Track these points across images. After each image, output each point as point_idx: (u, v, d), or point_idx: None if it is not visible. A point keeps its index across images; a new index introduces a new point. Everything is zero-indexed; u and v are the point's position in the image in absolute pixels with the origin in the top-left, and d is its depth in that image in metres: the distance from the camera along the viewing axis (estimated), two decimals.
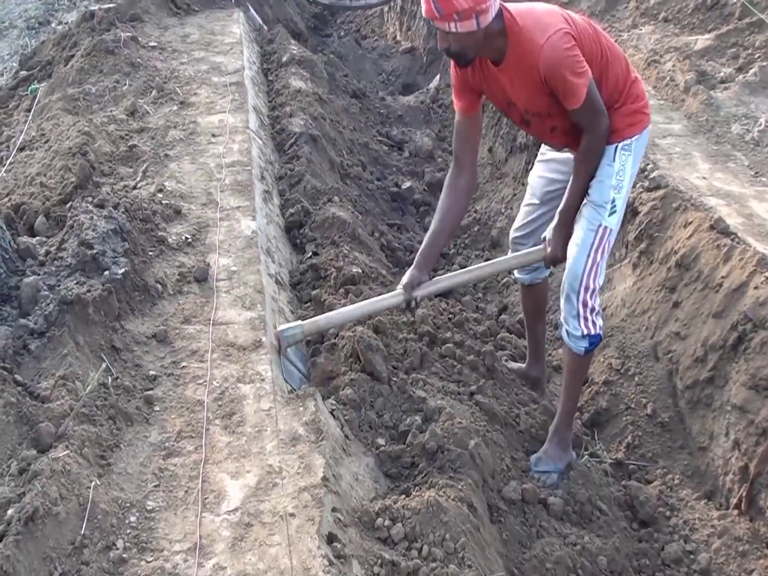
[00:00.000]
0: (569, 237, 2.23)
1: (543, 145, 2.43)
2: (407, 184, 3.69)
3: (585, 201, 2.24)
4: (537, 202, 2.40)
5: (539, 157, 2.46)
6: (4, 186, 3.05)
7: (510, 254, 2.43)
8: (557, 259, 2.25)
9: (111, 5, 5.08)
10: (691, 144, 3.40)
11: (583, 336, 2.19)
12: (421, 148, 4.04)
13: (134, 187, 2.92)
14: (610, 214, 2.18)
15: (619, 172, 2.17)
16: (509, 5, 2.07)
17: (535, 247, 2.35)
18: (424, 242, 2.22)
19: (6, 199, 2.88)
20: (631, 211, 2.86)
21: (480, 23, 1.94)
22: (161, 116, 3.62)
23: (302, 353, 2.24)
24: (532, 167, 2.53)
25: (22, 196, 2.89)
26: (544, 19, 2.05)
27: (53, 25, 6.21)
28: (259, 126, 3.59)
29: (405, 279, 2.17)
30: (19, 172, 3.21)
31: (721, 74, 4.01)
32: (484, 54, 2.07)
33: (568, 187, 2.21)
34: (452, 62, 2.18)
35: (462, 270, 2.47)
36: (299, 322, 2.19)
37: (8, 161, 3.33)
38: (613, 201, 2.17)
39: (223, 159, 3.10)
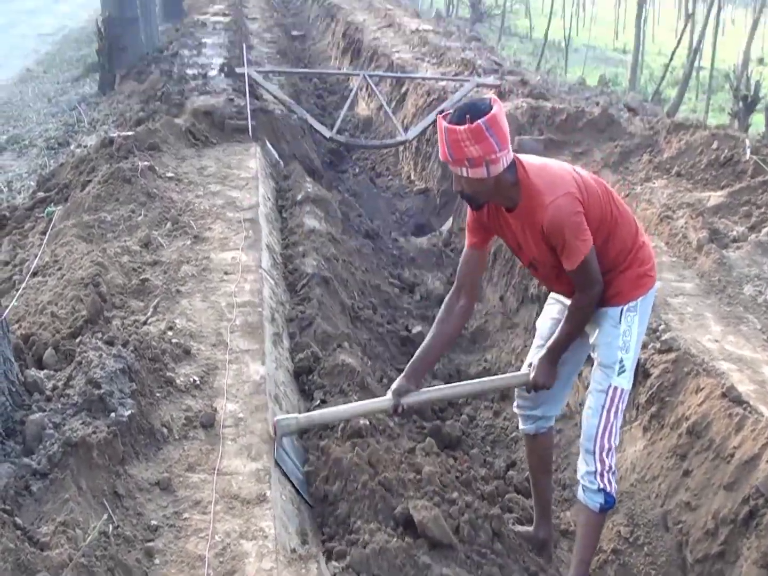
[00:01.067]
0: (554, 370, 2.47)
1: (551, 294, 2.70)
2: (417, 328, 3.97)
3: (595, 364, 2.48)
4: (542, 343, 2.60)
5: (547, 302, 2.72)
6: (16, 312, 3.30)
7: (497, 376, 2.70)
8: (538, 385, 2.49)
9: (130, 133, 5.63)
10: (703, 304, 3.67)
11: (599, 490, 2.35)
12: (432, 291, 4.36)
13: (145, 323, 3.17)
14: (620, 374, 2.39)
15: (626, 332, 2.39)
16: (524, 158, 2.35)
17: (520, 372, 2.63)
18: (416, 354, 2.50)
19: (17, 326, 3.12)
20: (643, 373, 3.09)
21: (490, 172, 2.20)
22: (175, 250, 3.95)
23: (296, 447, 2.53)
24: None
25: (33, 324, 3.14)
26: (555, 179, 2.30)
27: (72, 147, 6.84)
28: (271, 265, 3.92)
29: (394, 386, 2.45)
30: (30, 298, 3.48)
31: (734, 233, 4.37)
32: (496, 200, 2.33)
33: (559, 326, 2.47)
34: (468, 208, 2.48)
35: (450, 385, 2.81)
36: (295, 414, 2.52)
37: (21, 286, 3.62)
38: (621, 361, 2.39)
39: (235, 298, 3.37)
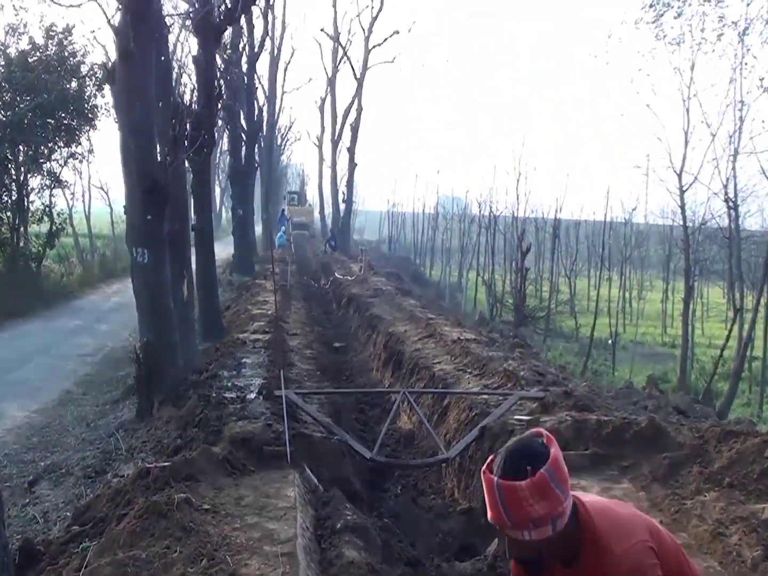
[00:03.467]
0: None
1: None
2: None
3: None
4: None
5: None
6: None
7: None
8: None
9: (166, 463, 6.38)
10: None
11: None
12: None
13: None
14: None
15: None
16: (583, 497, 2.24)
17: None
18: None
19: None
20: None
21: (556, 527, 2.05)
22: None
23: None
24: None
25: None
26: (624, 524, 2.16)
27: (109, 476, 7.68)
28: None
29: None
30: None
31: None
32: (556, 556, 2.17)
33: None
34: (512, 562, 2.36)
35: None
36: None
37: None
38: None
39: None
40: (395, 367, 12.47)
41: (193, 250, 14.31)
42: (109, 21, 9.74)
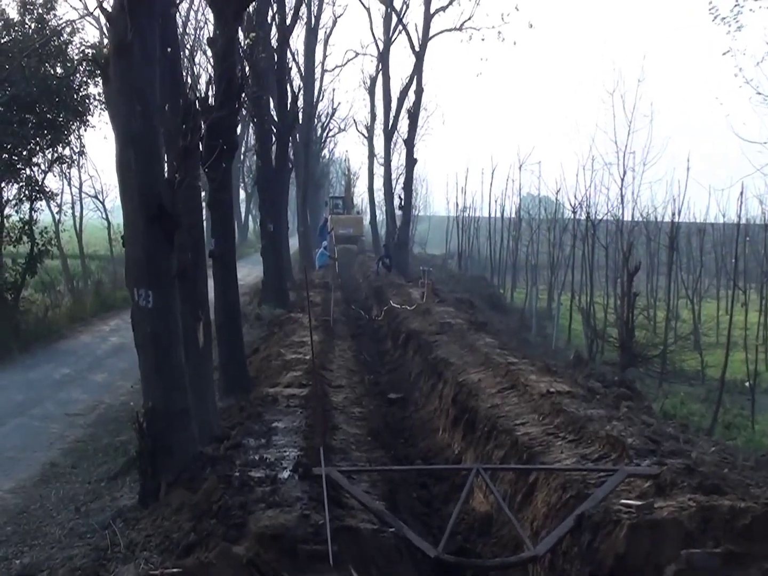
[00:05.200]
0: None
1: None
2: None
3: None
4: None
5: None
6: None
7: None
8: None
9: (176, 570, 6.44)
10: None
11: None
12: None
13: None
14: None
15: None
16: None
17: None
18: None
19: None
20: None
21: None
22: None
23: None
24: None
25: None
26: None
27: None
28: None
29: None
30: None
31: None
32: None
33: None
34: None
35: None
36: None
37: None
38: None
39: None
40: (467, 429, 12.40)
41: (210, 278, 14.47)
42: (100, 3, 9.89)
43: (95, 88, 23.45)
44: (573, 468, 8.61)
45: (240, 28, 19.41)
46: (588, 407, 11.30)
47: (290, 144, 36.22)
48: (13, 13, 21.94)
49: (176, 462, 9.47)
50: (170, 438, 9.55)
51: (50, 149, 23.73)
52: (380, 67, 49.75)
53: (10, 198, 23.06)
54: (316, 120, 57.37)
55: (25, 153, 22.71)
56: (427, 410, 15.22)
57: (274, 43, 30.60)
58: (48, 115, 22.56)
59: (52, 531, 10.07)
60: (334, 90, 61.42)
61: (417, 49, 41.91)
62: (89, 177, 38.22)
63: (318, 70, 54.40)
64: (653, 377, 22.79)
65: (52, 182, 30.10)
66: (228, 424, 12.00)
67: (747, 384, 21.66)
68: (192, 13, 34.71)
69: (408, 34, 42.64)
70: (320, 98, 56.68)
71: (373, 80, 55.64)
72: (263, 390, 13.77)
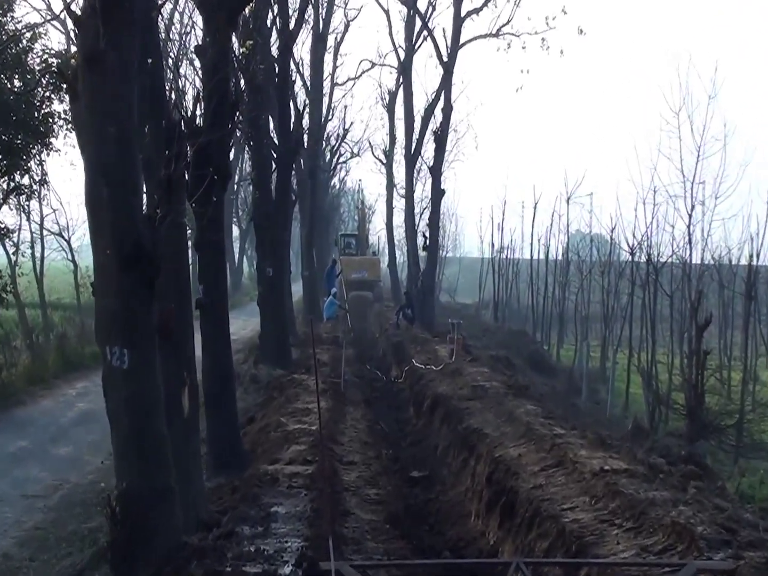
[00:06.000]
0: None
1: None
2: None
3: None
4: None
5: None
6: None
7: None
8: None
9: None
10: None
11: None
12: None
13: None
14: None
15: None
16: None
17: None
18: None
19: None
20: None
21: None
22: None
23: None
24: None
25: None
26: None
27: None
28: None
29: None
30: None
31: None
32: None
33: None
34: None
35: None
36: None
37: None
38: None
39: None
40: (505, 514, 12.35)
41: (197, 332, 14.50)
42: (68, 5, 9.92)
43: (60, 105, 23.31)
44: (632, 563, 8.58)
45: (234, 34, 19.59)
46: (650, 489, 11.26)
47: (293, 172, 36.43)
48: None
49: (156, 554, 9.40)
50: (149, 525, 9.44)
51: (5, 177, 23.55)
52: (401, 80, 50.16)
53: None
54: (324, 143, 57.81)
55: None
56: (456, 491, 15.17)
57: (274, 51, 30.59)
58: (3, 137, 22.51)
59: None
60: (346, 107, 61.01)
61: (445, 58, 41.65)
62: (52, 211, 37.04)
63: (327, 84, 54.81)
64: (727, 451, 22.59)
65: (7, 217, 29.40)
66: (218, 508, 12.00)
67: None
68: (177, 15, 34.53)
69: (434, 41, 42.33)
70: (329, 117, 57.12)
71: (393, 96, 56.07)
72: (260, 467, 13.79)
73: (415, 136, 46.55)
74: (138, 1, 10.10)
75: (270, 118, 31.16)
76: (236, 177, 59.83)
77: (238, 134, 29.62)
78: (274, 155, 30.60)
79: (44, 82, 22.69)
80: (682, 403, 23.30)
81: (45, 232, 37.79)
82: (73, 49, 10.92)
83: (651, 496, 10.74)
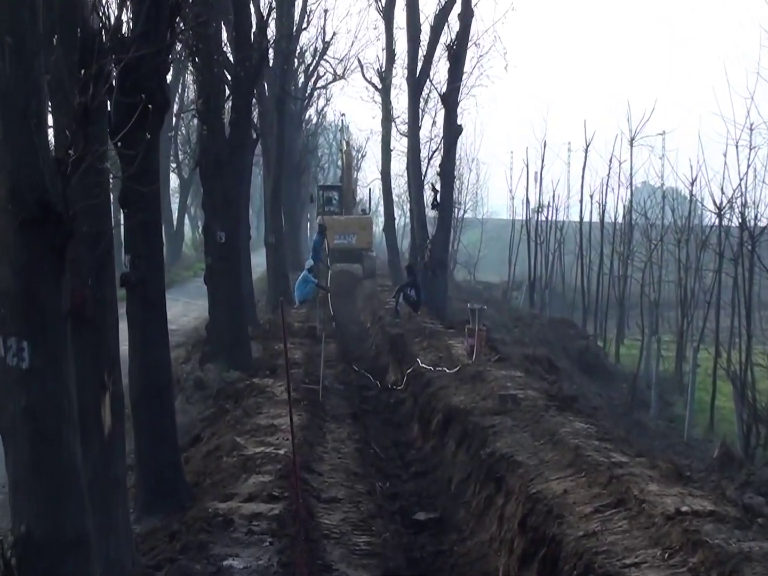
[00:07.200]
0: None
1: None
2: None
3: None
4: None
5: None
6: None
7: None
8: None
9: None
10: None
11: None
12: None
13: None
14: None
15: None
16: None
17: None
18: None
19: None
20: None
21: None
22: None
23: None
24: None
25: None
26: None
27: None
28: None
29: None
30: None
31: None
32: None
33: None
34: None
35: None
36: None
37: None
38: None
39: None
40: (545, 571, 12.37)
41: (122, 320, 14.44)
42: None
43: None
44: None
45: None
46: (744, 538, 11.26)
47: (254, 100, 36.27)
48: None
49: None
50: None
51: None
52: None
53: None
54: (297, 61, 57.64)
55: None
56: (478, 541, 15.21)
57: None
58: None
59: None
60: (326, 12, 59.82)
61: None
62: None
63: None
64: None
65: None
66: (151, 561, 12.02)
67: None
68: None
69: None
70: (305, 26, 56.89)
71: None
72: (209, 505, 13.80)
73: (422, 52, 45.93)
74: None
75: (223, 26, 30.95)
76: (176, 107, 59.65)
77: (178, 48, 29.39)
78: (228, 77, 30.45)
79: None
80: None
81: None
82: None
83: (746, 549, 10.74)
